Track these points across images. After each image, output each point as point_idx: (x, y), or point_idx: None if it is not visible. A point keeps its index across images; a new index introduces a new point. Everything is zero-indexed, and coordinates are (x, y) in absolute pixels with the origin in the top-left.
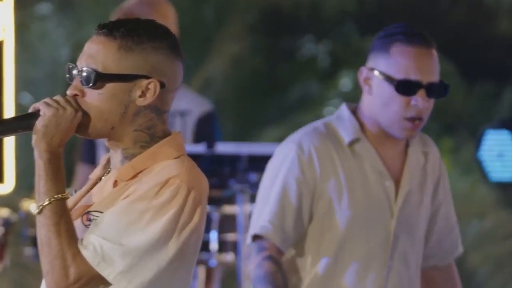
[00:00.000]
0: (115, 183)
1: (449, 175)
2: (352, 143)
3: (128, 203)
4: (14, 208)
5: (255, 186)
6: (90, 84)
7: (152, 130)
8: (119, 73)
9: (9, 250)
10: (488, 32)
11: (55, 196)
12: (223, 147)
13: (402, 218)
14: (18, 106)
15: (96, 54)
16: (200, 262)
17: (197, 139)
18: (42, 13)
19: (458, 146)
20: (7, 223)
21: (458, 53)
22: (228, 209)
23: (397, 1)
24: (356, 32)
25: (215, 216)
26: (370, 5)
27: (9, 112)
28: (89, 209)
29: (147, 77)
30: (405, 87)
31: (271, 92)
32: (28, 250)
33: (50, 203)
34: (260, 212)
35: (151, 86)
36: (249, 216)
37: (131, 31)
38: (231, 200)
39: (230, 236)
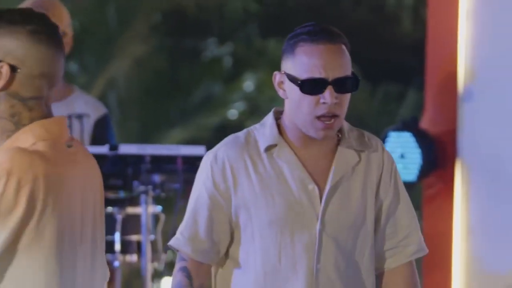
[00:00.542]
0: None
1: None
2: (268, 149)
3: None
4: None
5: (158, 187)
6: None
7: (17, 117)
8: None
9: None
10: (391, 33)
11: None
12: (127, 148)
13: (328, 220)
14: None
15: None
16: None
17: (95, 141)
18: None
19: None
20: None
21: (361, 54)
22: (132, 210)
23: (299, 2)
24: (259, 33)
25: (119, 217)
26: (272, 7)
27: None
28: None
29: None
30: (310, 86)
31: (174, 93)
32: None
33: None
34: (181, 223)
35: (3, 70)
36: (153, 217)
37: None
38: (134, 201)
39: (134, 237)
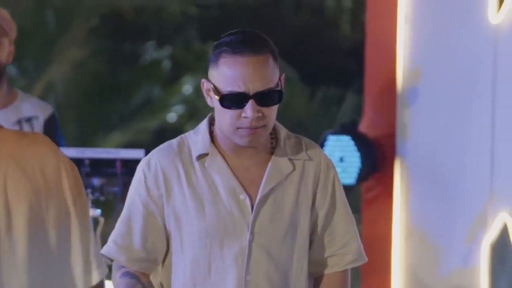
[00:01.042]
0: None
1: None
2: (200, 158)
3: None
4: None
5: (97, 190)
6: None
7: None
8: None
9: None
10: (330, 36)
11: None
12: (66, 152)
13: (258, 231)
14: None
15: None
16: None
17: None
18: None
19: None
20: None
21: (301, 58)
22: None
23: (239, 6)
24: (198, 37)
25: None
26: (212, 10)
27: None
28: None
29: None
30: (230, 101)
31: (113, 97)
32: None
33: None
34: (113, 231)
35: None
36: (92, 220)
37: None
38: None
39: None
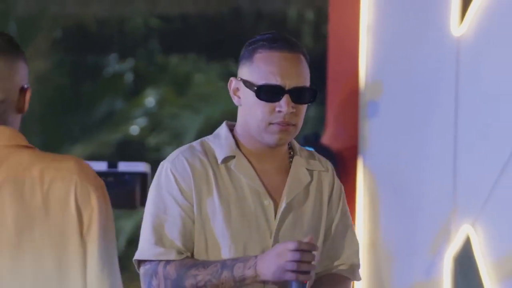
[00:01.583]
0: None
1: None
2: (226, 161)
3: None
4: None
5: None
6: None
7: None
8: None
9: None
10: None
11: None
12: None
13: (282, 238)
14: None
15: None
16: None
17: None
18: None
19: None
20: None
21: None
22: None
23: (200, 18)
24: (160, 49)
25: None
26: (173, 22)
27: None
28: None
29: None
30: (266, 93)
31: (76, 109)
32: None
33: None
34: (145, 235)
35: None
36: None
37: None
38: None
39: None
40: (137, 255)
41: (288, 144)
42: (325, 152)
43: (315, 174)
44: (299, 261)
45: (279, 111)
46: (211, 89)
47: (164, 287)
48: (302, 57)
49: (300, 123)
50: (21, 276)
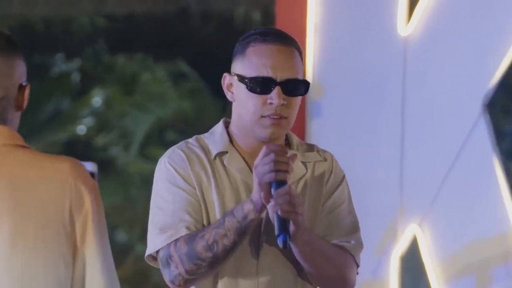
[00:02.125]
0: None
1: None
2: (219, 156)
3: None
4: None
5: None
6: None
7: None
8: None
9: None
10: None
11: None
12: None
13: (270, 231)
14: None
15: None
16: None
17: None
18: None
19: None
20: None
21: (211, 70)
22: None
23: (147, 17)
24: (107, 49)
25: None
26: (120, 22)
27: None
28: None
29: None
30: (257, 85)
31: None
32: None
33: None
34: (157, 224)
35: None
36: None
37: None
38: None
39: None
40: (150, 249)
41: (286, 140)
42: None
43: (310, 165)
44: (274, 161)
45: (271, 103)
46: (159, 89)
47: (181, 265)
48: (295, 51)
49: (292, 116)
50: (12, 275)
